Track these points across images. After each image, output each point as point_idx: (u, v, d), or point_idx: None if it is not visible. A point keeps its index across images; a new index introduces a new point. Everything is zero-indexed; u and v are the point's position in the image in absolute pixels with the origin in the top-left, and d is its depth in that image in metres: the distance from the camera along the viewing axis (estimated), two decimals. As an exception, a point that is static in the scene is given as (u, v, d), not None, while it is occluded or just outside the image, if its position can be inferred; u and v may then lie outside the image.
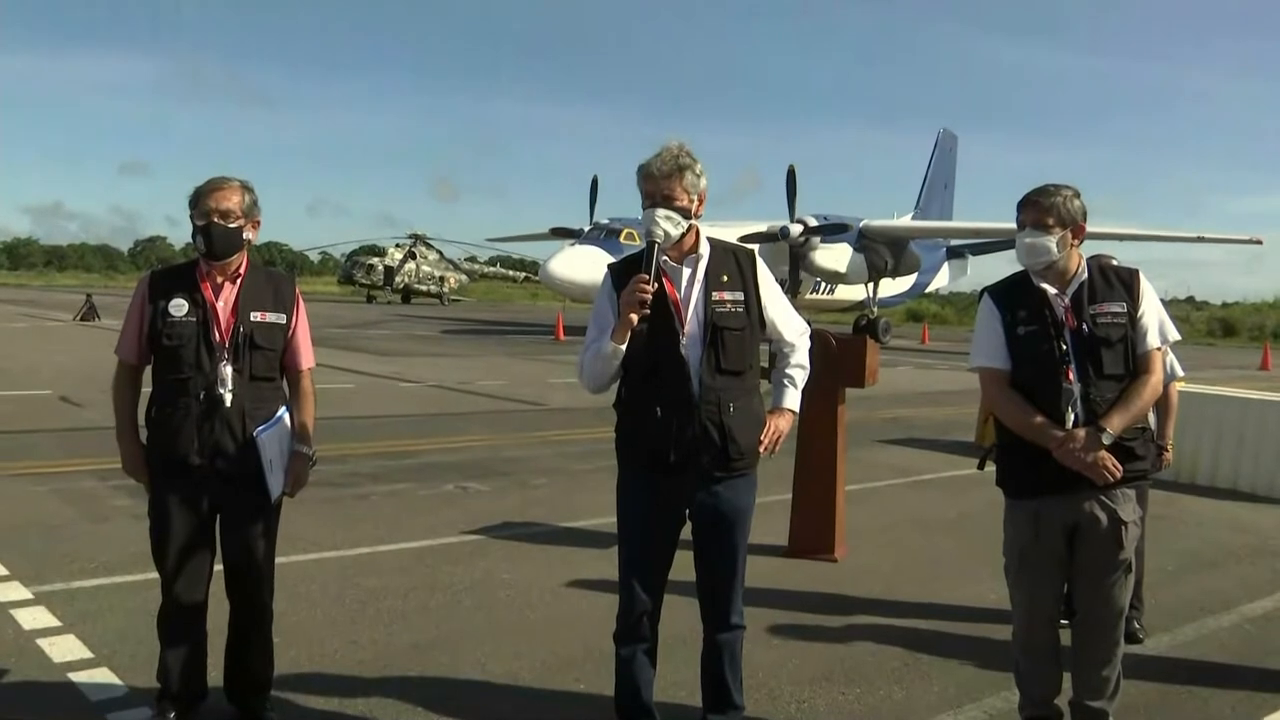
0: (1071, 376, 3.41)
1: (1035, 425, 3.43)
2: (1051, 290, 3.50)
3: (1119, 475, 3.38)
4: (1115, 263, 3.80)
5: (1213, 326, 51.21)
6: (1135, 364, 3.47)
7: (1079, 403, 3.40)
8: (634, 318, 3.25)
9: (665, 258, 3.37)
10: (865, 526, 6.94)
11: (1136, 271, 3.60)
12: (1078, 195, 3.53)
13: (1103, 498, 3.44)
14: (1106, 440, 3.35)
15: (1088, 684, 3.58)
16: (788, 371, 3.57)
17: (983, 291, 3.76)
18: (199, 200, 3.46)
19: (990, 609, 5.11)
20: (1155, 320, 3.50)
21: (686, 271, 3.39)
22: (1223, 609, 5.51)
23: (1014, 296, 3.59)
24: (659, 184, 3.32)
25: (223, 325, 3.46)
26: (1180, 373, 5.24)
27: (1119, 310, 3.46)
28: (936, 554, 6.55)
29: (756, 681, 4.14)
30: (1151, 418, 4.90)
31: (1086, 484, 3.41)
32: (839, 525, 6.30)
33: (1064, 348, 3.43)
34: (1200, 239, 32.30)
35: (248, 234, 3.52)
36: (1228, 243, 33.17)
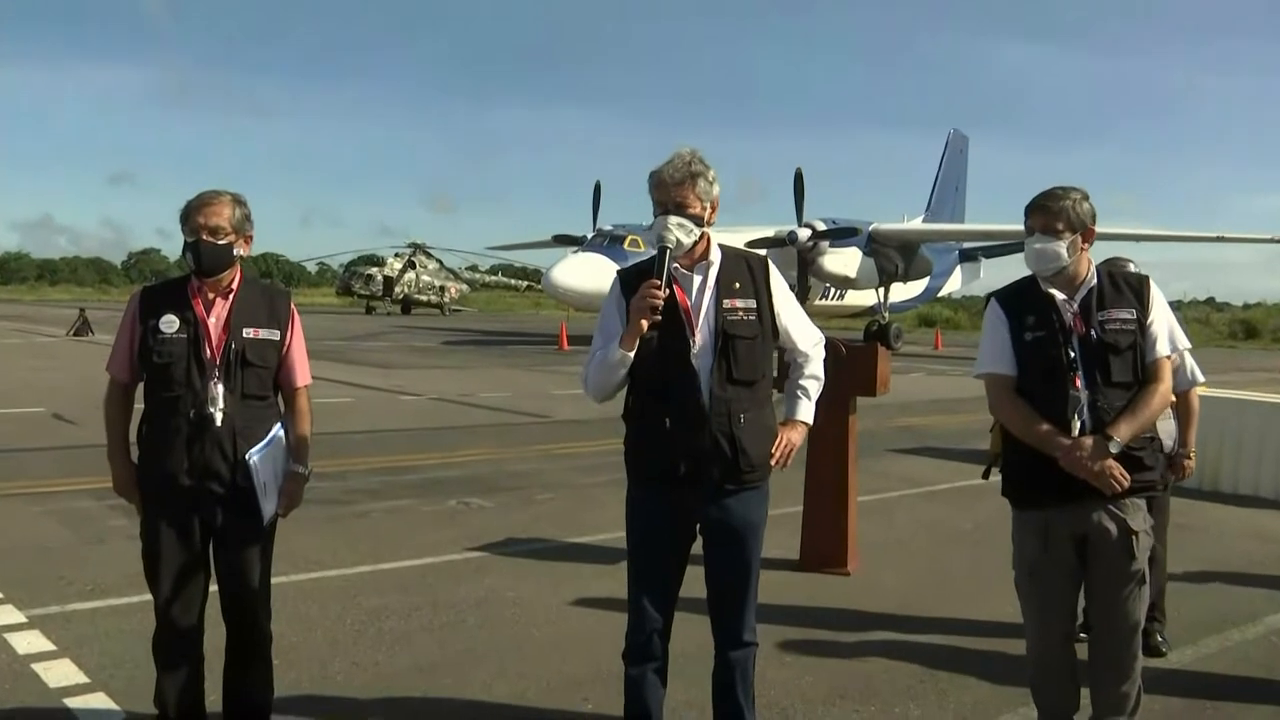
0: (1079, 383, 3.34)
1: (1041, 432, 3.35)
2: (1060, 296, 3.43)
3: (1126, 485, 3.29)
4: (1132, 268, 3.71)
5: (1234, 329, 50.64)
6: (1144, 372, 3.38)
7: (1086, 410, 3.33)
8: (644, 324, 3.18)
9: (676, 264, 3.29)
10: (878, 539, 6.84)
11: (1147, 278, 3.54)
12: (1086, 198, 3.45)
13: (1111, 508, 3.36)
14: (1114, 449, 3.27)
15: (1107, 700, 3.49)
16: (801, 382, 3.49)
17: (989, 296, 3.69)
18: (189, 216, 3.39)
19: (1007, 623, 4.98)
20: (1165, 328, 3.43)
21: (697, 279, 3.31)
22: (1248, 620, 5.39)
23: (1021, 302, 3.51)
24: (671, 191, 3.25)
25: (214, 342, 3.38)
26: (1200, 378, 5.13)
27: (1128, 317, 3.38)
28: (951, 567, 6.44)
29: (769, 700, 4.05)
30: (1172, 425, 4.82)
31: (1095, 494, 3.32)
32: (851, 538, 6.20)
33: (1071, 354, 3.36)
34: (1220, 239, 32.19)
35: (239, 250, 3.44)
36: (1248, 242, 33.08)
